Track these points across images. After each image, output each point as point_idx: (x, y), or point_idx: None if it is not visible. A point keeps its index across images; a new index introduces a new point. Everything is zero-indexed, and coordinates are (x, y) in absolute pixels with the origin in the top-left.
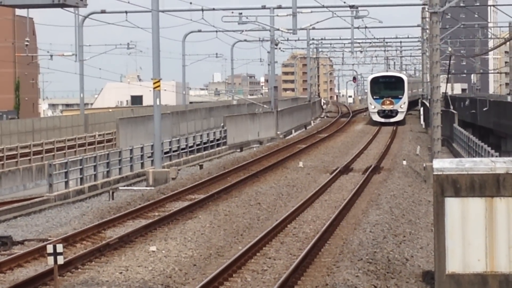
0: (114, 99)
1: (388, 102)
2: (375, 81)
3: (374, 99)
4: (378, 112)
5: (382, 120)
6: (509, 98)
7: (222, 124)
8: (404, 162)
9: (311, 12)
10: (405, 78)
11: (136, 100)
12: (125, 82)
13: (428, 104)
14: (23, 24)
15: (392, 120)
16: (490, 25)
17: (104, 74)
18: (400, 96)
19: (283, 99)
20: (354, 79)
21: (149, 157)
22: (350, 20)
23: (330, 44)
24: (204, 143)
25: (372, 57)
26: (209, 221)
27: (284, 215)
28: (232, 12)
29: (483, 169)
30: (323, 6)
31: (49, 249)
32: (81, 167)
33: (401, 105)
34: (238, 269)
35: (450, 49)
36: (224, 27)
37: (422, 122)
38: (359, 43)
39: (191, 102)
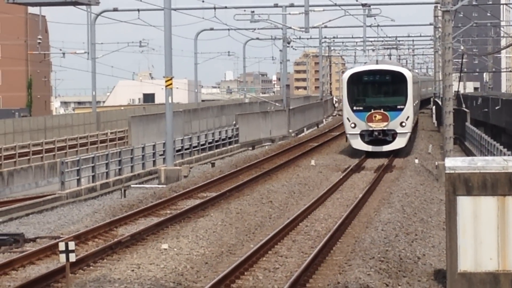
0: (126, 97)
1: (378, 116)
2: (355, 81)
3: (354, 111)
4: (362, 135)
5: (369, 148)
6: None
7: (234, 122)
8: (416, 161)
9: (323, 10)
10: (408, 74)
11: (148, 98)
12: (137, 80)
13: (440, 103)
14: (36, 22)
15: (386, 148)
16: (502, 23)
17: (116, 72)
18: (399, 106)
19: (295, 97)
20: None
21: (161, 155)
22: (363, 18)
23: (342, 42)
24: (216, 141)
25: (384, 55)
26: (221, 219)
27: (296, 213)
28: (245, 10)
29: (495, 168)
30: (336, 5)
31: (61, 246)
32: (93, 164)
33: (402, 122)
34: (250, 267)
35: (462, 47)
36: (236, 25)
37: (434, 120)
38: (371, 41)
39: (203, 100)
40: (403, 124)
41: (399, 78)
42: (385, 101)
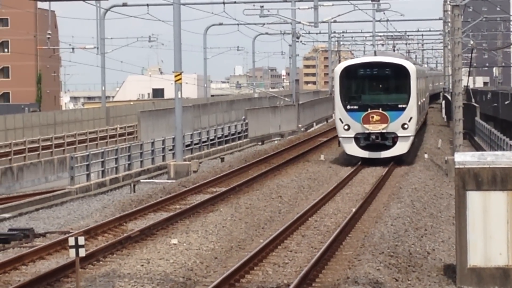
0: (136, 92)
1: (376, 117)
2: (349, 75)
3: (348, 111)
4: (357, 139)
5: (366, 154)
6: None
7: (243, 117)
8: (426, 156)
9: (333, 5)
10: (411, 67)
11: (158, 93)
12: (146, 75)
13: (449, 98)
14: (45, 17)
15: (384, 154)
16: None
17: (126, 67)
18: (401, 105)
19: (305, 92)
20: None
21: (170, 150)
22: (372, 13)
23: (352, 37)
24: (225, 136)
25: (393, 50)
26: (230, 214)
27: (306, 208)
28: (254, 5)
29: (505, 163)
30: None
31: (71, 241)
32: (102, 159)
33: (404, 124)
34: (259, 262)
35: (472, 42)
36: (246, 20)
37: (443, 115)
38: (380, 36)
39: (212, 95)
40: (405, 126)
41: (401, 72)
42: (384, 99)
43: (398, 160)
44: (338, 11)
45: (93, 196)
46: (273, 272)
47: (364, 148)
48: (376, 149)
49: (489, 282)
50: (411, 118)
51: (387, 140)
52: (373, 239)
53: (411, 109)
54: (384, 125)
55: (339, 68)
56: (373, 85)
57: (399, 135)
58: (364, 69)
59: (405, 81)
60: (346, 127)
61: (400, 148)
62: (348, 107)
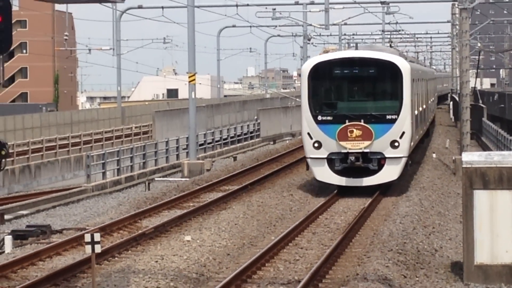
0: (150, 92)
1: (357, 132)
2: (321, 75)
3: (318, 123)
4: (331, 161)
5: (342, 181)
6: None
7: (255, 117)
8: (434, 155)
9: (343, 8)
10: (404, 66)
11: (172, 93)
12: (161, 75)
13: (457, 99)
14: (63, 19)
15: (367, 182)
16: None
17: (141, 68)
18: (390, 116)
19: None
20: None
21: (184, 149)
22: (381, 15)
23: (362, 39)
24: (238, 136)
25: (390, 46)
26: (242, 211)
27: (316, 206)
28: (266, 8)
29: (511, 162)
30: (355, 2)
31: (87, 238)
32: (118, 158)
33: (395, 141)
34: (271, 259)
35: (479, 44)
36: (258, 22)
37: (451, 116)
38: (389, 38)
39: (225, 96)
40: (396, 144)
41: (390, 72)
42: (367, 108)
43: (409, 163)
44: (348, 13)
45: (109, 193)
46: (284, 269)
47: (340, 173)
48: (356, 175)
49: (496, 279)
50: (403, 133)
51: (370, 162)
52: (382, 236)
53: (404, 121)
54: (367, 143)
55: (307, 65)
56: (353, 88)
57: (387, 156)
58: (341, 68)
59: (396, 83)
60: (316, 144)
61: (388, 173)
62: (319, 118)
